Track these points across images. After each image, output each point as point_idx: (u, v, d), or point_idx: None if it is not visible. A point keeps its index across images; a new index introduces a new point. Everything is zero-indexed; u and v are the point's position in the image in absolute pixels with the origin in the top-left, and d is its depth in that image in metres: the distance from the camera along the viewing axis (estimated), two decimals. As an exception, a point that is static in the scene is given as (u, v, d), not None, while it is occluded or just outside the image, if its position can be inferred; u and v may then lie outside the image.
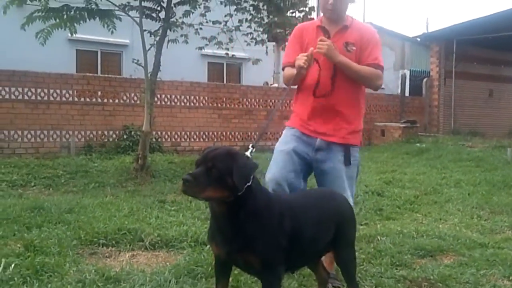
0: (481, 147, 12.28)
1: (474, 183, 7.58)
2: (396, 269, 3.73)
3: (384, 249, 4.14)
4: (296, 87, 3.56)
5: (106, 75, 11.96)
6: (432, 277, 3.53)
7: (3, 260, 3.39)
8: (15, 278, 3.15)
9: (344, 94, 3.41)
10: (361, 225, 5.14)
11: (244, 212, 2.39)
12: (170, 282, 3.15)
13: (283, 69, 3.64)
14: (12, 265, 3.32)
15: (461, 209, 5.94)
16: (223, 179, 2.31)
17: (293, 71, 3.39)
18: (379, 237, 4.53)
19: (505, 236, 4.77)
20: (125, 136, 10.45)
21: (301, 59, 3.29)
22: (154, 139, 10.51)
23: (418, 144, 12.95)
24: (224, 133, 12.14)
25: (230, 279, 3.21)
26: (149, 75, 7.70)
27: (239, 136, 12.33)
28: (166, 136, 11.30)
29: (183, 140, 11.54)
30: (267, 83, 14.91)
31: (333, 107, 3.41)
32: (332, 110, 3.41)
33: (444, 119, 16.65)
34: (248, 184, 2.38)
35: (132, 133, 10.41)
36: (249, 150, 2.80)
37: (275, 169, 3.38)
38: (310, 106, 3.44)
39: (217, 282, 2.65)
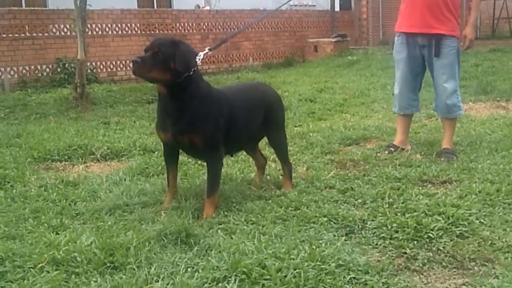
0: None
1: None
2: (326, 155, 4.23)
3: (315, 142, 4.63)
4: None
5: (32, 8, 11.54)
6: (355, 158, 4.05)
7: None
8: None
9: None
10: (295, 126, 5.61)
11: (188, 96, 2.75)
12: (125, 180, 3.49)
13: None
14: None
15: (385, 106, 6.48)
16: (166, 63, 2.66)
17: None
18: (311, 134, 5.02)
19: (421, 124, 5.38)
20: (59, 69, 10.30)
21: None
22: (89, 70, 10.44)
23: (349, 57, 13.46)
24: (160, 60, 12.15)
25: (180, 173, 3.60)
26: (78, 2, 7.61)
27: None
28: (102, 67, 11.21)
29: (119, 69, 11.49)
30: (198, 6, 14.79)
31: None
32: None
33: (373, 31, 17.17)
34: (190, 72, 2.72)
35: (66, 65, 10.26)
36: (205, 51, 3.11)
37: None
38: None
39: (167, 169, 3.03)
